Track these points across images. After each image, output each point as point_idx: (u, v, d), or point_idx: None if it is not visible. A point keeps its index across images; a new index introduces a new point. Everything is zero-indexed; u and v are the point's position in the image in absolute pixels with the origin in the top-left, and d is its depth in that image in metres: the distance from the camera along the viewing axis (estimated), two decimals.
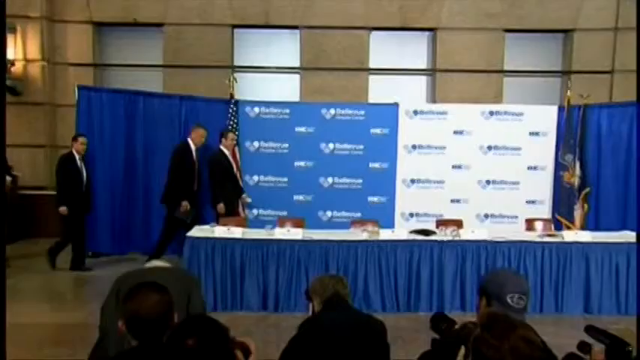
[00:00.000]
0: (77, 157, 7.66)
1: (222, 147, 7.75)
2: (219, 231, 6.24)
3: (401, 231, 6.53)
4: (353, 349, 2.85)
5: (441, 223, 6.97)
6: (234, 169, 7.85)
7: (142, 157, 8.42)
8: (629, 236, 6.60)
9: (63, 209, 7.46)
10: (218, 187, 7.60)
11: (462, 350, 2.09)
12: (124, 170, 8.37)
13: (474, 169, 8.49)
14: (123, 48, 10.33)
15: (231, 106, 8.30)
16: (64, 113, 9.87)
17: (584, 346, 2.49)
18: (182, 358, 1.81)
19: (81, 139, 7.72)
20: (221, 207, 7.50)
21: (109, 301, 2.87)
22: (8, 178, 7.79)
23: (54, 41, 10.09)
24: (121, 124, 8.36)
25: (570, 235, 6.48)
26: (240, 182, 8.09)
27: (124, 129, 8.35)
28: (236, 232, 6.21)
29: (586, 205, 8.20)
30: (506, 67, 9.94)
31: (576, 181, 8.15)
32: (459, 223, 6.92)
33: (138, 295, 2.12)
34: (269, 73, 10.17)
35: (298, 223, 6.89)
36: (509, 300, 2.39)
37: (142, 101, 8.50)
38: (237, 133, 8.20)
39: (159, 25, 10.06)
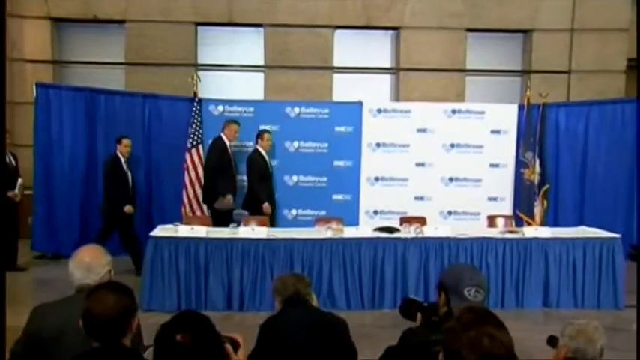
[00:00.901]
0: (122, 159, 7.53)
1: (258, 147, 7.76)
2: (183, 230, 6.18)
3: (365, 228, 6.59)
4: (312, 348, 2.86)
5: (405, 220, 7.03)
6: (270, 169, 7.87)
7: (103, 156, 8.26)
8: (585, 232, 6.80)
9: (128, 208, 7.39)
10: (258, 187, 7.60)
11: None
12: (85, 170, 8.21)
13: (437, 166, 8.60)
14: (83, 45, 10.11)
15: (195, 104, 8.24)
16: (21, 111, 9.60)
17: (552, 340, 2.60)
18: (174, 355, 1.80)
19: (125, 142, 7.56)
20: (267, 207, 7.48)
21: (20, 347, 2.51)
22: (20, 180, 7.66)
23: (10, 37, 9.80)
24: (82, 123, 8.20)
25: (530, 231, 6.63)
26: None
27: (84, 128, 8.19)
28: (200, 231, 6.16)
29: (545, 202, 8.39)
30: (468, 67, 10.08)
31: (536, 178, 8.34)
32: (422, 221, 6.99)
33: (95, 294, 2.12)
34: (233, 71, 10.10)
35: (263, 222, 6.89)
36: (466, 293, 2.43)
37: (103, 99, 8.37)
38: (200, 132, 8.15)
39: (120, 21, 9.89)
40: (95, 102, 8.31)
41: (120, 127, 8.30)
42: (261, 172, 7.67)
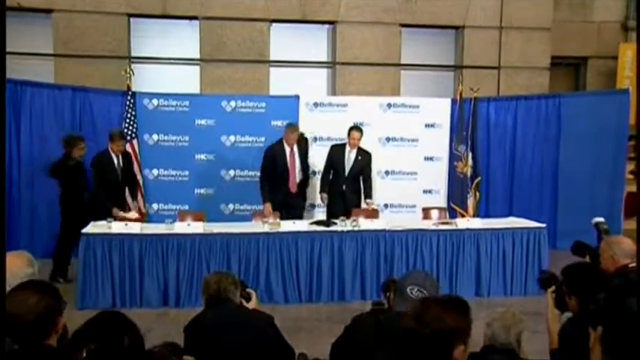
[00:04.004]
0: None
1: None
2: (117, 227, 6.06)
3: (302, 222, 6.62)
4: (232, 347, 2.85)
5: None
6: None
7: (28, 152, 7.92)
8: (514, 222, 7.07)
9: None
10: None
11: None
12: (8, 169, 7.82)
13: (374, 160, 8.65)
14: (7, 35, 9.62)
15: (128, 98, 8.03)
16: None
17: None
18: None
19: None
20: (324, 197, 7.54)
21: None
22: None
23: None
24: (6, 117, 7.82)
25: (463, 223, 6.84)
26: None
27: (8, 122, 7.80)
28: (134, 227, 6.06)
29: (478, 194, 8.64)
30: (403, 61, 10.23)
31: (469, 170, 8.56)
32: None
33: (14, 295, 2.05)
34: (168, 64, 9.88)
35: (199, 217, 6.81)
36: (408, 291, 2.54)
37: (28, 92, 8.00)
38: (135, 125, 7.96)
39: (47, 11, 9.49)
40: (20, 95, 7.94)
41: (48, 122, 8.01)
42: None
